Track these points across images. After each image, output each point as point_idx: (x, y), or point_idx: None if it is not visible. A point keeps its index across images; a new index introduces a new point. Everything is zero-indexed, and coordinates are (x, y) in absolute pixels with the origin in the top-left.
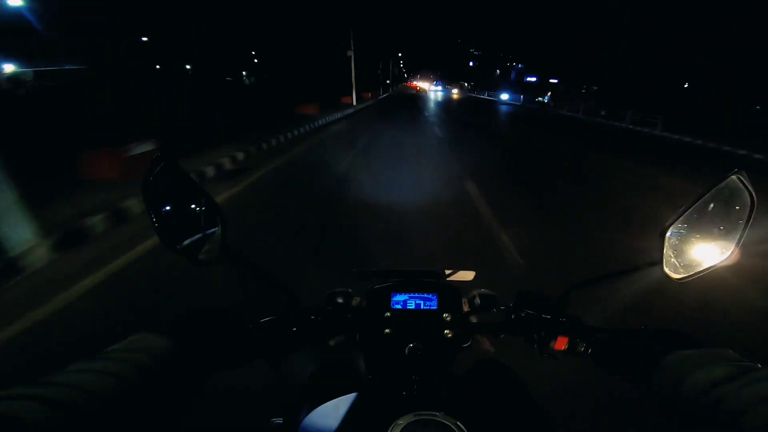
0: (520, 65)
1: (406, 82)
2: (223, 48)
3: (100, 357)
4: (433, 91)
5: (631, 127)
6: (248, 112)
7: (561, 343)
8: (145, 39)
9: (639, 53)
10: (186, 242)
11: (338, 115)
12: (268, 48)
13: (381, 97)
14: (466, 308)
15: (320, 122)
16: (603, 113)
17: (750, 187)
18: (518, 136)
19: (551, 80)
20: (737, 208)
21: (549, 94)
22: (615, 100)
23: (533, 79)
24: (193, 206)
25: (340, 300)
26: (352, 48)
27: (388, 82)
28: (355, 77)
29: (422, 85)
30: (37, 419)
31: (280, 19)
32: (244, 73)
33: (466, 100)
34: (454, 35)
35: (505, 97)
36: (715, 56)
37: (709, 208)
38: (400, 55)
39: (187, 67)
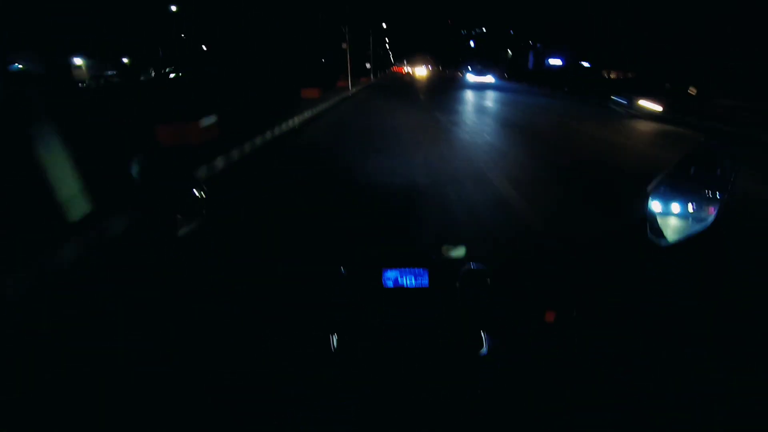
0: (538, 45)
1: (393, 67)
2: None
3: None
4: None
5: None
6: (265, 96)
7: (549, 317)
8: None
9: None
10: (182, 232)
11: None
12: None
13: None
14: (457, 284)
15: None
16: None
17: (728, 151)
18: None
19: (582, 63)
20: (718, 171)
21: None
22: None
23: (558, 62)
24: (185, 196)
25: (332, 275)
26: (347, 40)
27: (368, 66)
28: (349, 62)
29: (416, 70)
30: None
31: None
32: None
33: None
34: (444, 16)
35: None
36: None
37: (691, 172)
38: (387, 40)
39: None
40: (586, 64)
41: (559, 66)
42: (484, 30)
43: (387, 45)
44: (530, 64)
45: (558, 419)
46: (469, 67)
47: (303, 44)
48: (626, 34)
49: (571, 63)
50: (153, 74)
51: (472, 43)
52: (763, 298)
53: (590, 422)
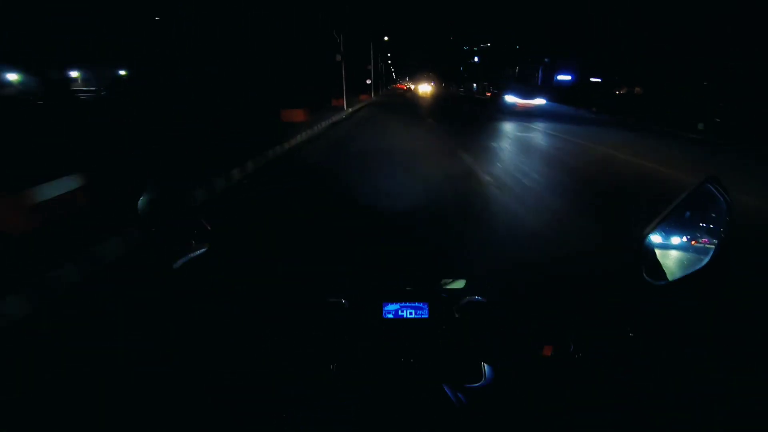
0: (546, 59)
1: (395, 84)
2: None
3: None
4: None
5: None
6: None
7: (547, 350)
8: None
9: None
10: (179, 263)
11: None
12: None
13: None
14: (457, 315)
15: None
16: None
17: (724, 194)
18: None
19: (592, 79)
20: (713, 215)
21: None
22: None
23: (567, 77)
24: (185, 228)
25: (333, 306)
26: (341, 51)
27: (368, 82)
28: (344, 79)
29: (419, 87)
30: None
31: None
32: None
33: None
34: (446, 32)
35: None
36: None
37: (686, 216)
38: (389, 55)
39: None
40: (596, 80)
41: (568, 82)
42: (489, 45)
43: (389, 62)
44: (539, 80)
45: (558, 419)
46: (507, 91)
47: (291, 56)
48: (627, 40)
49: (580, 78)
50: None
51: (476, 59)
52: (763, 298)
53: (590, 422)
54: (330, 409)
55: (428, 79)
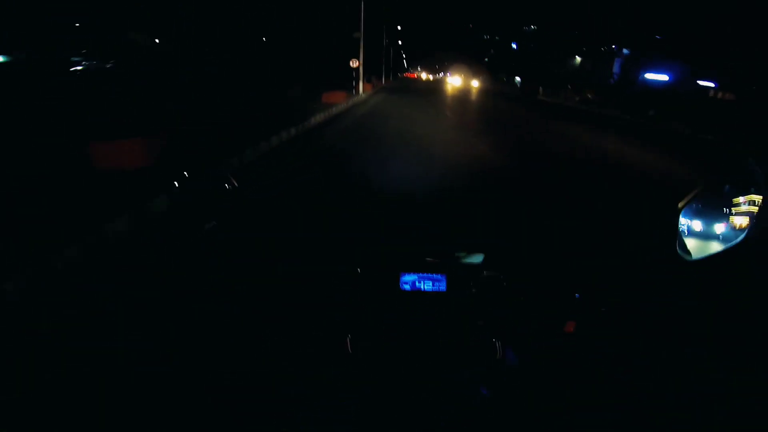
0: (624, 51)
1: (406, 73)
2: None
3: None
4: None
5: None
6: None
7: (570, 327)
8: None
9: None
10: (210, 225)
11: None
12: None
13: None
14: (474, 290)
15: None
16: None
17: (763, 171)
18: None
19: (700, 82)
20: (752, 190)
21: None
22: None
23: (663, 77)
24: (212, 186)
25: (348, 276)
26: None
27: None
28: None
29: (447, 79)
30: None
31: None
32: None
33: None
34: (465, 19)
35: None
36: None
37: (725, 191)
38: (399, 42)
39: None
40: (708, 84)
41: (662, 83)
42: (534, 28)
43: (401, 51)
44: (614, 77)
45: (558, 419)
46: None
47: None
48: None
49: (682, 80)
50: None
51: (514, 46)
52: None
53: (590, 422)
54: (330, 409)
55: (437, 70)
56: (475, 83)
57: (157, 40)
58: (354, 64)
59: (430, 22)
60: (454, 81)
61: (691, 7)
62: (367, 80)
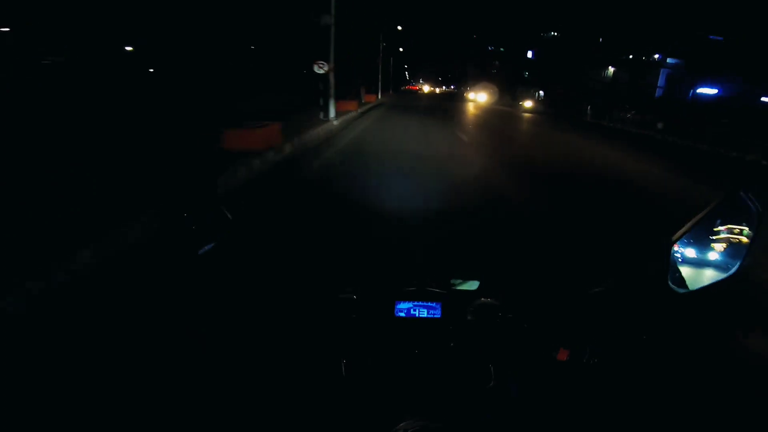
0: (668, 60)
1: (408, 85)
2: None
3: None
4: None
5: None
6: None
7: (563, 354)
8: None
9: None
10: (203, 249)
11: None
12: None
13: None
14: (469, 317)
15: None
16: None
17: (755, 202)
18: None
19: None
20: (744, 224)
21: None
22: None
23: (712, 91)
24: (207, 216)
25: (345, 302)
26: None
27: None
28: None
29: (469, 95)
30: None
31: None
32: None
33: None
34: (467, 30)
35: None
36: None
37: (716, 223)
38: (401, 49)
39: None
40: None
41: (712, 96)
42: (555, 34)
43: (405, 65)
44: (659, 90)
45: (564, 426)
46: None
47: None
48: None
49: (737, 94)
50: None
51: (530, 55)
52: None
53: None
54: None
55: (484, 86)
56: (482, 97)
57: None
58: (321, 68)
59: (432, 32)
60: (479, 97)
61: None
62: (349, 97)
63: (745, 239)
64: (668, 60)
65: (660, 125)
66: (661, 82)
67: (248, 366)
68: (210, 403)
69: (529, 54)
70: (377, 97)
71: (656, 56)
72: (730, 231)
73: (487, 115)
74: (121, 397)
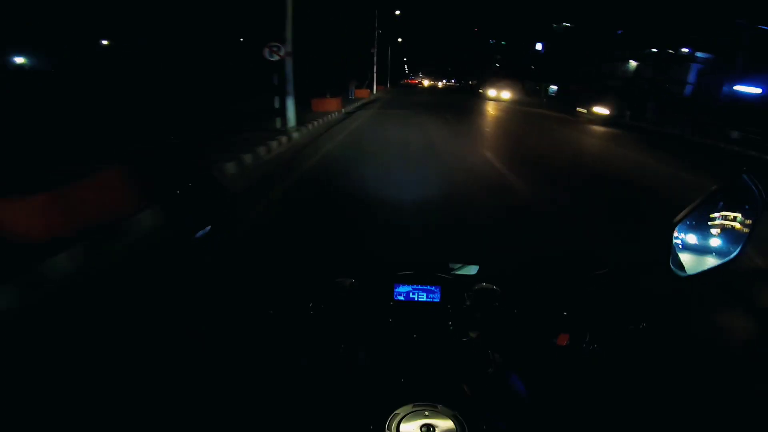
0: (698, 54)
1: (407, 79)
2: None
3: None
4: None
5: None
6: None
7: (562, 339)
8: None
9: None
10: (199, 234)
11: None
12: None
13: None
14: (468, 302)
15: None
16: None
17: (758, 187)
18: None
19: None
20: (746, 207)
21: None
22: None
23: (756, 90)
24: (204, 197)
25: (343, 287)
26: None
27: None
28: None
29: (488, 91)
30: None
31: None
32: None
33: None
34: (468, 23)
35: None
36: None
37: (719, 207)
38: (399, 39)
39: None
40: None
41: (754, 96)
42: (567, 25)
43: (404, 58)
44: (688, 89)
45: (562, 411)
46: None
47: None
48: None
49: None
50: None
51: (539, 47)
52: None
53: (596, 417)
54: (326, 417)
55: (507, 82)
56: (506, 95)
57: None
58: (275, 53)
59: (431, 25)
60: (502, 94)
61: None
62: (331, 94)
63: (738, 225)
64: (698, 55)
65: (735, 134)
66: (691, 78)
67: (245, 352)
68: (208, 389)
69: (538, 46)
70: (371, 92)
71: (687, 50)
72: (725, 218)
73: (542, 131)
74: (121, 389)
